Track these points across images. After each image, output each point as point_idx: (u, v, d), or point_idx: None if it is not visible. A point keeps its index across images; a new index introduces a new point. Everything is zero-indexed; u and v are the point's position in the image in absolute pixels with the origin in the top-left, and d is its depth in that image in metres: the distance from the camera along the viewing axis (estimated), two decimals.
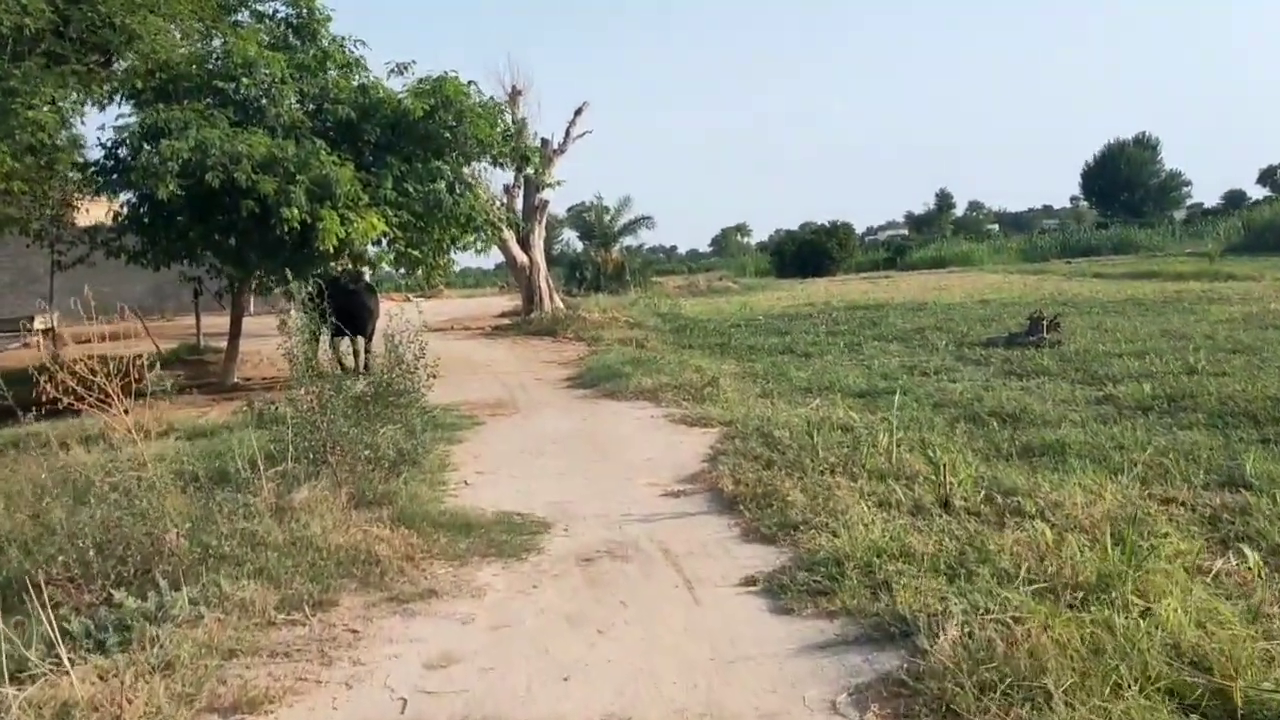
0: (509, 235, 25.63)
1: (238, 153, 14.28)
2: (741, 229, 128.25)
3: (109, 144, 15.68)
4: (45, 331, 27.07)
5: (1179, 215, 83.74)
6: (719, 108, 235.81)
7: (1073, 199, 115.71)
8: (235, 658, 4.94)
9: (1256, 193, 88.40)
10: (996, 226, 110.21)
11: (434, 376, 10.21)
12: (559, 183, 26.21)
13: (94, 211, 18.30)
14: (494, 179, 25.63)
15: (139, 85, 15.56)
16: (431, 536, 6.72)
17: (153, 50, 15.08)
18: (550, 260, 55.50)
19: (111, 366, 7.86)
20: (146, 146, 14.60)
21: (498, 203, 25.41)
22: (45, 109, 14.45)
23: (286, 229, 14.43)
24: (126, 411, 7.62)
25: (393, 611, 5.57)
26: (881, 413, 10.75)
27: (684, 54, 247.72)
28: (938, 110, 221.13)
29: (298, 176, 14.54)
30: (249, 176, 14.21)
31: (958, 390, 12.02)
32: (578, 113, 27.60)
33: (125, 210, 16.52)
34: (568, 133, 27.41)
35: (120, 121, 15.68)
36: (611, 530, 6.96)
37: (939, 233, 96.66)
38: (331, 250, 14.88)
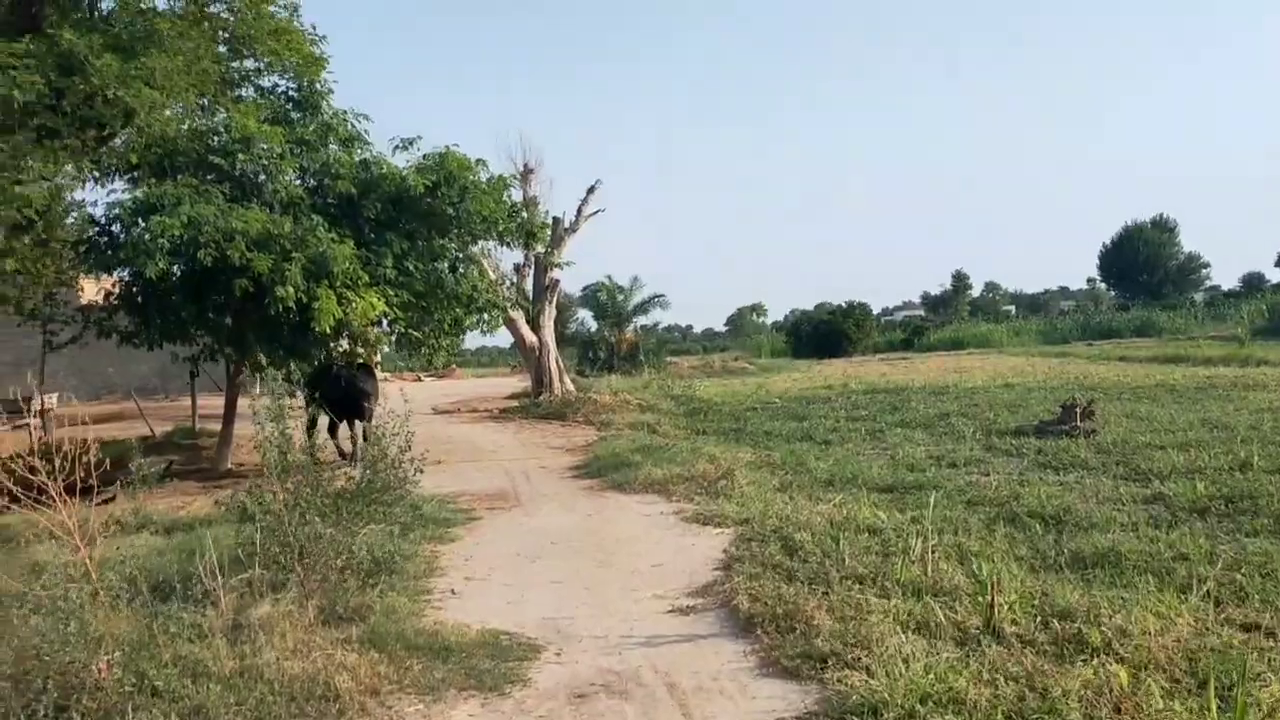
0: (518, 315, 25.00)
1: (231, 229, 13.68)
2: (757, 308, 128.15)
3: (102, 220, 15.13)
4: (41, 412, 26.50)
5: (1199, 297, 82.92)
6: (733, 187, 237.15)
7: (1089, 280, 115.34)
8: None
9: (1274, 275, 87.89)
10: (1013, 308, 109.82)
11: (421, 471, 9.37)
12: (569, 263, 25.72)
13: (95, 290, 17.77)
14: (504, 258, 25.10)
15: (134, 160, 15.03)
16: (403, 663, 5.85)
17: (148, 124, 14.58)
18: (564, 340, 55.08)
19: (83, 455, 7.13)
20: (140, 223, 14.03)
21: (507, 282, 24.87)
22: (35, 185, 13.89)
23: (282, 308, 13.76)
24: (105, 502, 6.81)
25: None
26: (911, 511, 9.93)
27: (698, 133, 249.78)
28: (953, 190, 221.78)
29: (293, 254, 13.92)
30: (242, 254, 13.58)
31: (991, 485, 11.15)
32: (590, 191, 27.16)
33: (118, 289, 15.94)
34: (579, 211, 26.93)
35: (113, 197, 15.18)
36: (611, 656, 6.07)
37: (955, 313, 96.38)
38: (329, 331, 14.19)
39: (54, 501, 6.61)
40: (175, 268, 14.81)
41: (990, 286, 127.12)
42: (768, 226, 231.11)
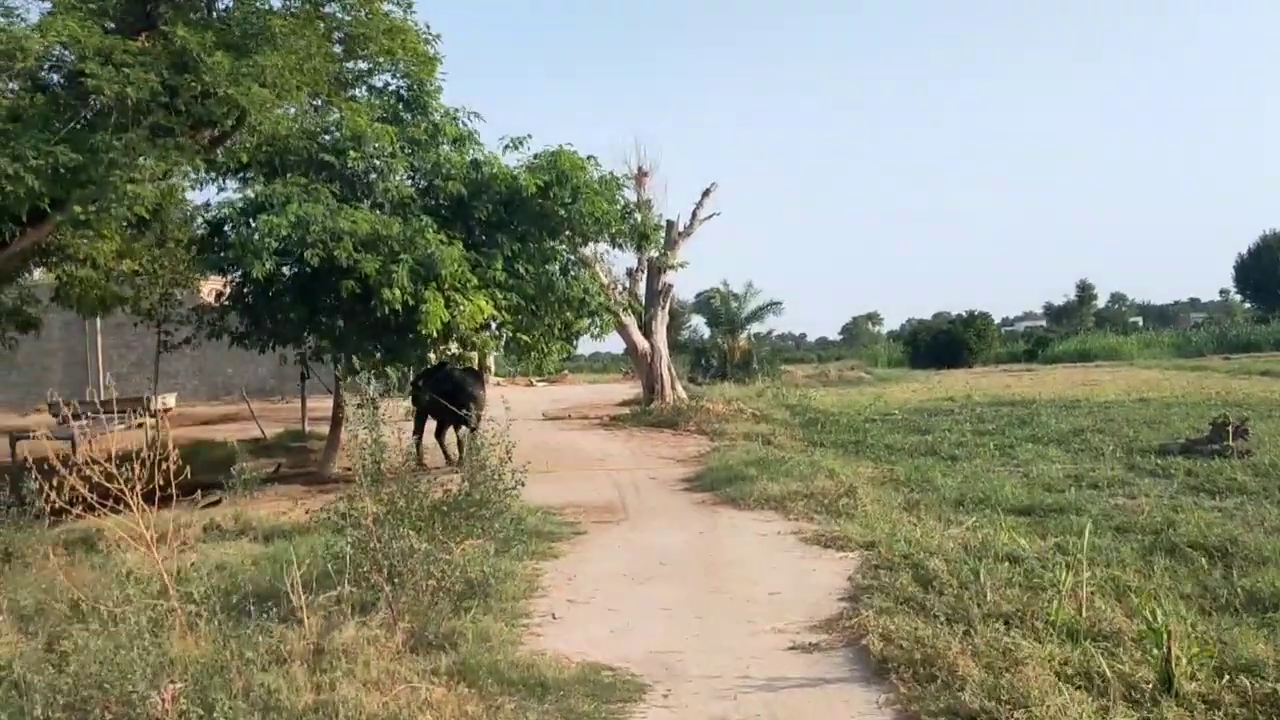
0: (630, 321, 24.45)
1: (339, 230, 13.40)
2: (873, 317, 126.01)
3: (213, 220, 15.02)
4: (161, 412, 26.89)
5: None
6: (850, 192, 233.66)
7: (1222, 292, 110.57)
8: None
9: None
10: (1140, 319, 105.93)
11: (521, 484, 8.80)
12: (683, 264, 25.04)
13: (207, 291, 17.80)
14: (616, 261, 24.60)
15: (244, 159, 14.87)
16: (494, 700, 5.28)
17: (259, 123, 14.40)
18: (677, 347, 54.46)
19: (168, 458, 6.74)
20: (250, 223, 13.86)
21: (619, 286, 24.34)
22: (148, 184, 13.79)
23: (388, 311, 13.43)
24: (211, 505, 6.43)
25: None
26: (1054, 537, 9.07)
27: (820, 142, 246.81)
28: (1077, 198, 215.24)
29: (401, 256, 13.58)
30: (350, 255, 13.28)
31: (1142, 510, 10.20)
32: (705, 194, 26.48)
33: (229, 290, 15.84)
34: (694, 215, 26.28)
35: (222, 197, 15.07)
36: (725, 701, 5.41)
37: (1080, 325, 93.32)
38: (435, 334, 13.81)
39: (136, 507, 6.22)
40: (284, 268, 14.65)
41: (1116, 297, 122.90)
42: (884, 234, 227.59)
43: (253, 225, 13.56)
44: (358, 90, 17.45)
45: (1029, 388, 30.79)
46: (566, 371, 60.68)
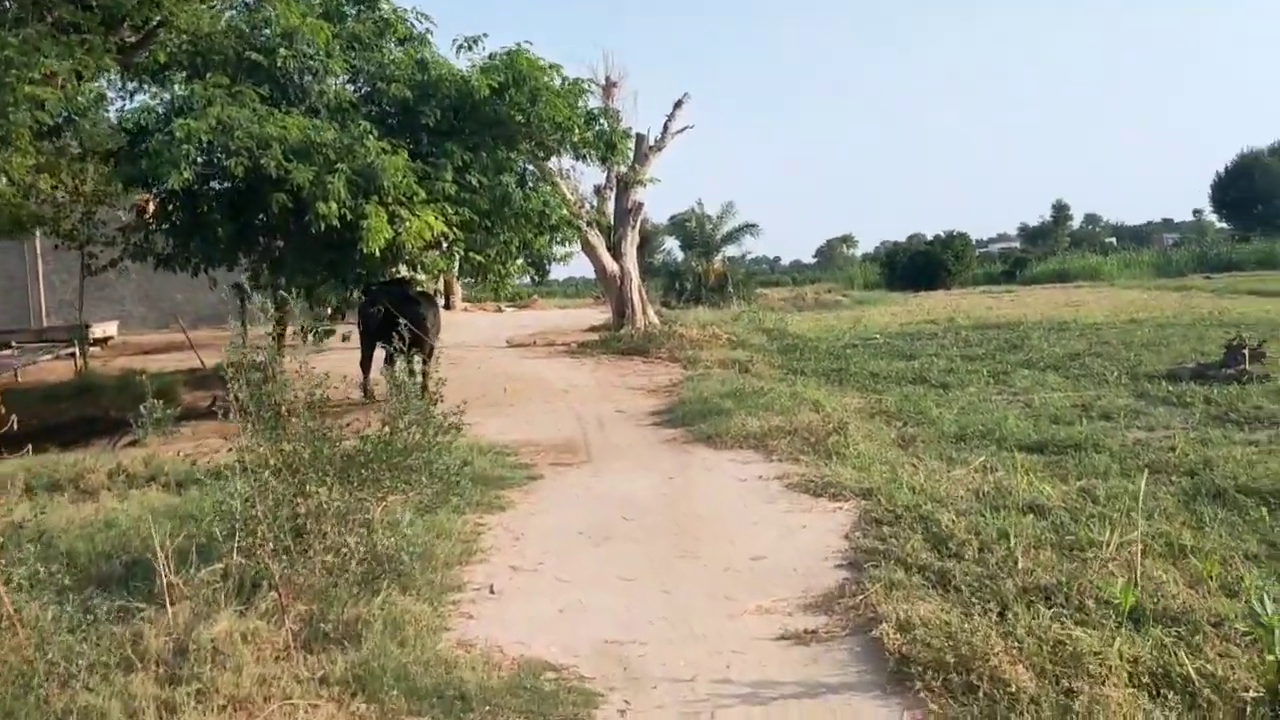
0: (598, 241, 23.02)
1: (266, 136, 11.92)
2: (847, 240, 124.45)
3: (130, 128, 13.46)
4: (100, 341, 25.35)
5: None
6: (819, 112, 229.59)
7: (1195, 212, 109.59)
8: None
9: None
10: (1114, 240, 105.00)
11: (457, 428, 7.44)
12: (653, 180, 23.40)
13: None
14: (583, 178, 23.12)
15: (162, 59, 13.28)
16: None
17: (175, 16, 12.80)
18: (651, 271, 53.05)
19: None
20: (169, 129, 12.36)
21: (586, 205, 22.88)
22: (52, 87, 12.21)
23: (324, 227, 12.02)
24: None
25: None
26: (1075, 480, 7.89)
27: (783, 59, 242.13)
28: (1049, 119, 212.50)
29: (337, 165, 12.13)
30: (279, 164, 11.83)
31: (1170, 446, 9.02)
32: (677, 105, 24.83)
33: (153, 207, 14.35)
34: (665, 128, 24.65)
35: (140, 101, 13.53)
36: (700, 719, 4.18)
37: (1055, 246, 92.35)
38: (378, 253, 12.41)
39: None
40: (211, 182, 13.20)
41: (1090, 218, 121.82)
42: (856, 157, 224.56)
43: (170, 131, 12.05)
44: None
45: (1012, 309, 29.69)
46: (536, 296, 59.28)
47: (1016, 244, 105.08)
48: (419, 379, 14.78)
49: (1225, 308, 25.74)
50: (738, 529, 7.12)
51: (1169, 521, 6.53)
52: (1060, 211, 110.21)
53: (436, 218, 12.76)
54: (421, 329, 14.13)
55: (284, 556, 5.15)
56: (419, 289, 14.70)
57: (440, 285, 32.84)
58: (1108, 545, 5.70)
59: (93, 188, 16.55)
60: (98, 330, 25.08)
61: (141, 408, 9.48)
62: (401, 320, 14.22)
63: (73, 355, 20.02)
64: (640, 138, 24.13)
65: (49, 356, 19.11)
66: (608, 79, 24.28)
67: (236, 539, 5.40)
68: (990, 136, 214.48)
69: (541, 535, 7.16)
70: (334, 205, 11.89)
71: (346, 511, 5.86)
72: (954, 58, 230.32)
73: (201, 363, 19.08)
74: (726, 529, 7.14)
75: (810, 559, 6.28)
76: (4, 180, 16.14)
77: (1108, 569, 5.33)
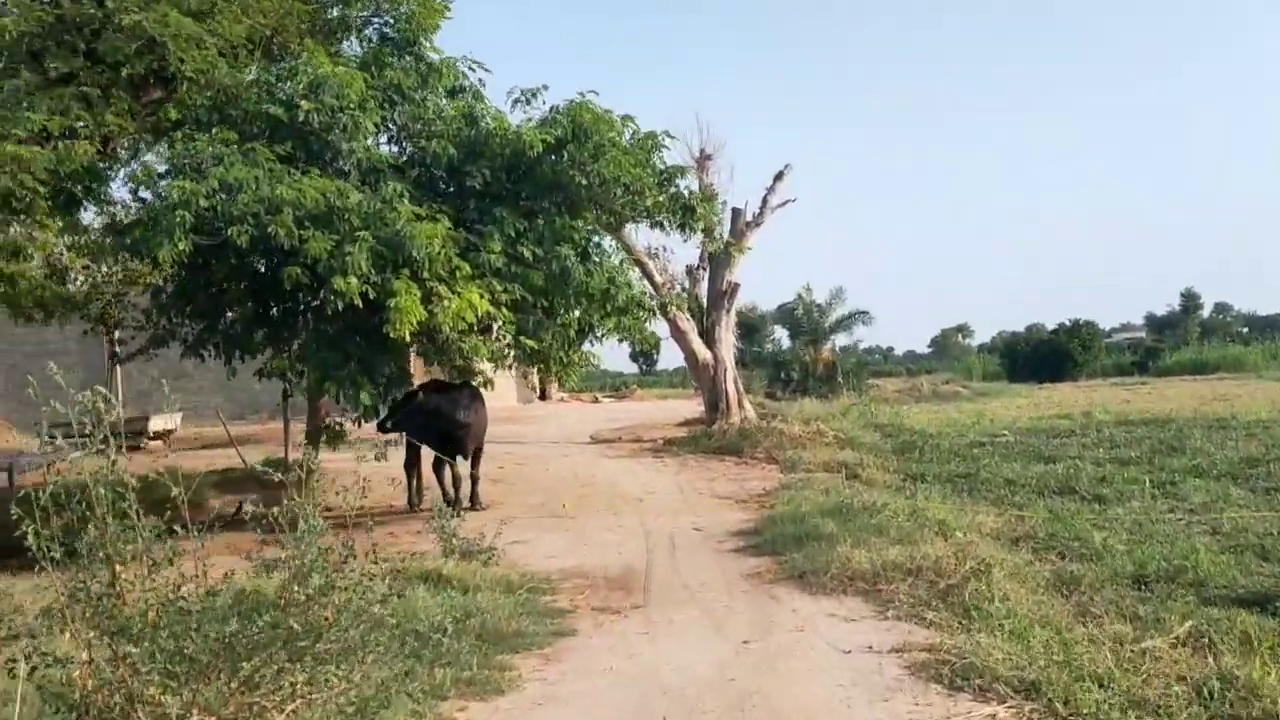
0: (688, 327, 20.79)
1: (277, 199, 10.01)
2: (963, 329, 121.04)
3: (132, 191, 11.77)
4: (162, 434, 23.80)
5: None
6: (929, 194, 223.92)
7: None
8: None
9: None
10: (1246, 329, 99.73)
11: (393, 597, 5.03)
12: (747, 248, 20.89)
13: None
14: (674, 257, 20.96)
15: (173, 115, 11.55)
16: None
17: (184, 64, 11.08)
18: (757, 361, 50.73)
19: None
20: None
21: (677, 286, 20.71)
22: (35, 145, 10.51)
23: (341, 306, 10.02)
24: None
25: None
26: None
27: (897, 144, 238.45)
28: (1171, 204, 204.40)
29: (359, 233, 10.15)
30: (289, 232, 9.89)
31: None
32: (777, 178, 22.60)
33: (169, 284, 12.58)
34: (765, 201, 22.42)
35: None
36: None
37: (1185, 336, 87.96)
38: (407, 338, 10.33)
39: None
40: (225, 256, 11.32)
41: (1220, 307, 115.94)
42: (966, 242, 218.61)
43: (162, 195, 10.24)
44: (345, 43, 14.11)
45: (1150, 403, 26.58)
46: (635, 386, 57.26)
47: (1142, 334, 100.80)
48: (465, 483, 12.68)
49: None
50: None
51: None
52: (1190, 300, 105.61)
53: (481, 296, 10.67)
54: (458, 429, 12.02)
55: None
56: (463, 381, 12.58)
57: (534, 376, 30.96)
58: None
59: (122, 266, 14.96)
60: (157, 423, 23.56)
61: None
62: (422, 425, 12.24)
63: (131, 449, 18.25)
64: (737, 212, 21.99)
65: (80, 454, 17.39)
66: (702, 151, 22.23)
67: None
68: (1109, 224, 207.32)
69: None
70: (354, 280, 9.89)
71: None
72: (1059, 141, 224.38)
73: (244, 461, 17.20)
74: None
75: None
76: (37, 259, 14.66)
77: None
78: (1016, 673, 5.25)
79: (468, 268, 10.75)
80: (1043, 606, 6.74)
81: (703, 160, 22.13)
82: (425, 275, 10.36)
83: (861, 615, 6.87)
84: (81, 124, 10.93)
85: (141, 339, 14.79)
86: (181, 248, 9.85)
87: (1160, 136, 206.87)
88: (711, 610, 7.29)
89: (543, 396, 43.44)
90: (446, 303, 10.42)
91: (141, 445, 21.48)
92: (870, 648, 6.06)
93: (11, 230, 13.28)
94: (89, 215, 13.86)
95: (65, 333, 21.64)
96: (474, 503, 12.63)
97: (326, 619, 4.10)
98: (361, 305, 10.11)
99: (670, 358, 64.72)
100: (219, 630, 3.90)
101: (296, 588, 4.12)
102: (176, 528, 4.47)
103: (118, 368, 19.10)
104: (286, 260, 10.20)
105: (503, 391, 38.05)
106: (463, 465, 12.52)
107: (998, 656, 5.42)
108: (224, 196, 10.06)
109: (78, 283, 15.61)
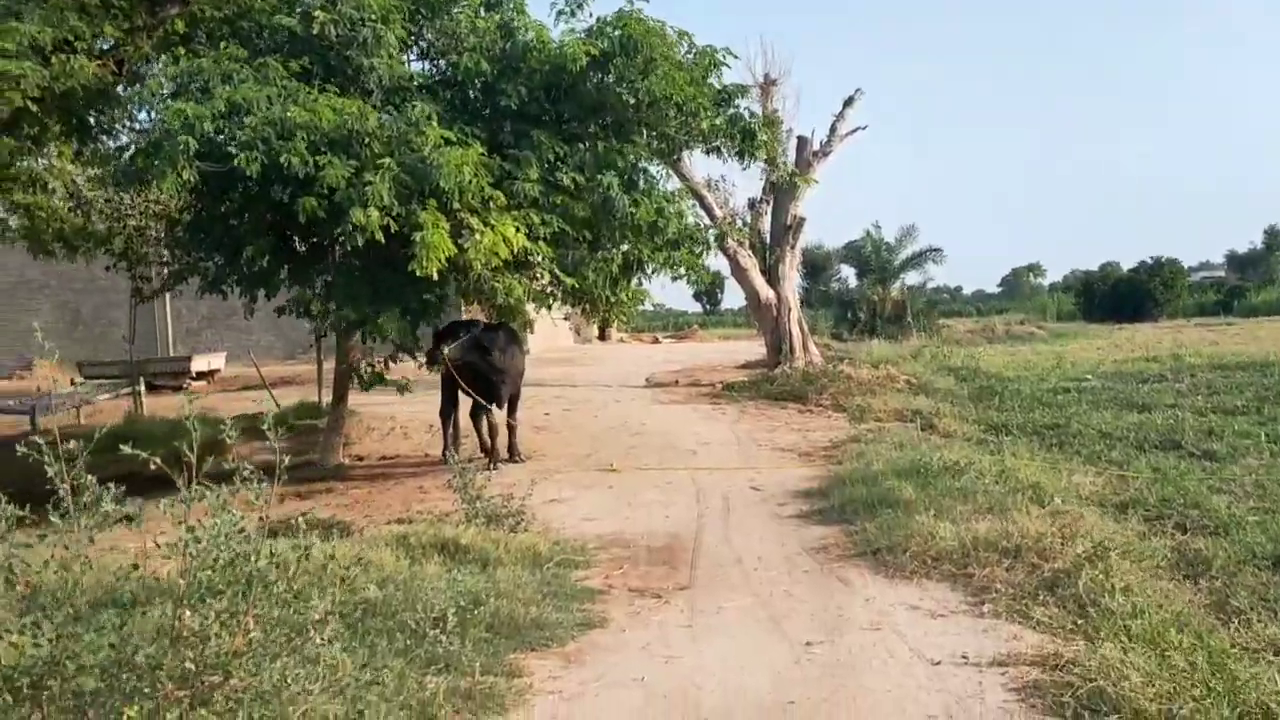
0: (750, 264, 19.54)
1: (289, 122, 8.96)
2: (1034, 269, 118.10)
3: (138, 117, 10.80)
4: (205, 375, 23.15)
5: None
6: (1007, 133, 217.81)
7: None
8: None
9: None
10: None
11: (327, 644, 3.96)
12: (814, 180, 19.35)
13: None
14: (735, 191, 19.65)
15: (180, 28, 10.52)
16: None
17: None
18: (824, 300, 49.19)
19: None
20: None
21: (737, 220, 19.43)
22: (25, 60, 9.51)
23: (361, 241, 8.99)
24: None
25: None
26: None
27: (968, 71, 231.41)
28: (1251, 135, 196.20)
29: (382, 161, 9.08)
30: (302, 159, 8.84)
31: None
32: (847, 103, 21.11)
33: (186, 215, 11.66)
34: (833, 129, 20.97)
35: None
36: None
37: (1268, 274, 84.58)
38: (435, 276, 9.26)
39: None
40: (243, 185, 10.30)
41: None
42: (1036, 179, 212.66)
43: (158, 117, 9.24)
44: None
45: (1240, 345, 24.98)
46: (696, 326, 56.08)
47: (1221, 272, 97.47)
48: (502, 432, 11.68)
49: None
50: None
51: None
52: (1274, 237, 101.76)
53: (517, 229, 9.57)
54: (492, 374, 11.01)
55: None
56: (499, 322, 11.53)
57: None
58: None
59: (143, 198, 14.04)
60: (200, 363, 22.91)
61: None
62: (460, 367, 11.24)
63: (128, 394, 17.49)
64: (803, 141, 20.59)
65: (107, 396, 16.67)
66: (766, 75, 20.80)
67: None
68: (1187, 158, 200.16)
69: None
70: (374, 213, 8.83)
71: None
72: (1144, 73, 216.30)
73: (277, 405, 16.39)
74: None
75: None
76: (60, 191, 13.82)
77: None
78: (1162, 705, 4.07)
79: (502, 198, 9.68)
80: (1172, 599, 5.56)
81: (766, 85, 20.72)
82: (455, 206, 9.28)
83: (951, 609, 5.71)
84: (77, 38, 9.91)
85: (164, 276, 13.99)
86: (185, 177, 8.88)
87: (1241, 69, 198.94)
88: (768, 597, 6.17)
89: (602, 337, 42.50)
90: (478, 237, 9.35)
91: (184, 386, 20.89)
92: (965, 658, 4.90)
93: (26, 159, 12.43)
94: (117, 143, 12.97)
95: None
96: (512, 454, 11.63)
97: (235, 651, 3.07)
98: (384, 240, 9.06)
99: (734, 297, 63.09)
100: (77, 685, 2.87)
101: (189, 614, 3.07)
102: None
103: (149, 304, 18.30)
104: (302, 190, 9.17)
105: (559, 332, 37.16)
106: (498, 413, 11.51)
107: (1135, 680, 4.24)
108: (232, 120, 9.04)
109: (101, 215, 14.74)
